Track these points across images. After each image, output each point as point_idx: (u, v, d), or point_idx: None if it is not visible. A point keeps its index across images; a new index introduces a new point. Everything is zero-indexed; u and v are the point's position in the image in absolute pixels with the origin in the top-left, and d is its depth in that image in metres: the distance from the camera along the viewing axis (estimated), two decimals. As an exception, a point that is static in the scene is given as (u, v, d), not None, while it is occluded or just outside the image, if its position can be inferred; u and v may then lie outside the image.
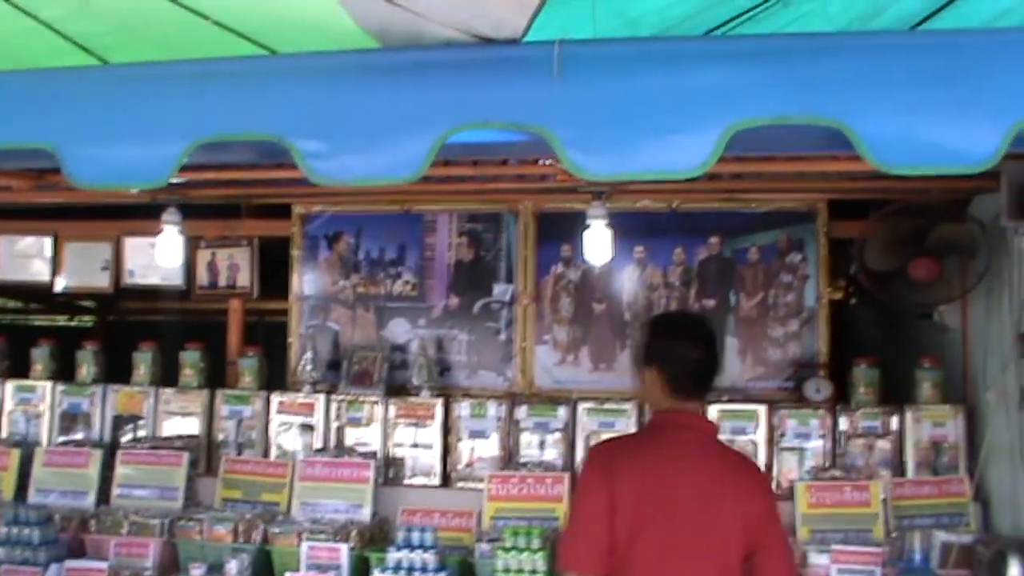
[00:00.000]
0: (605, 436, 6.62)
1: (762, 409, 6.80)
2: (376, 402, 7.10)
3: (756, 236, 7.22)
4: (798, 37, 3.92)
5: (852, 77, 3.38)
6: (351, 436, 7.13)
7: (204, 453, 7.19)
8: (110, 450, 7.01)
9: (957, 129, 3.33)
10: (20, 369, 7.68)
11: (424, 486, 6.97)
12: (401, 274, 7.53)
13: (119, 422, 7.43)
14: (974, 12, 4.30)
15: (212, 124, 3.64)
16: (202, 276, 7.74)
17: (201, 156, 3.64)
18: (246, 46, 4.07)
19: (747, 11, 4.32)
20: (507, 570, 6.05)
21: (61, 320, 12.86)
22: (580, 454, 6.82)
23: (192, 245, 7.55)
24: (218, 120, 3.65)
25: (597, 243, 6.64)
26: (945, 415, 6.71)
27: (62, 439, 7.36)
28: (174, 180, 3.75)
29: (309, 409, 7.15)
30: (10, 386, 7.54)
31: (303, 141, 3.58)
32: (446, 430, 7.04)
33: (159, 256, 7.08)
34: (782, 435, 6.79)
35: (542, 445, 7.01)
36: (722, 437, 6.27)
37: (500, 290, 7.43)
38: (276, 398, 7.21)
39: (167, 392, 7.36)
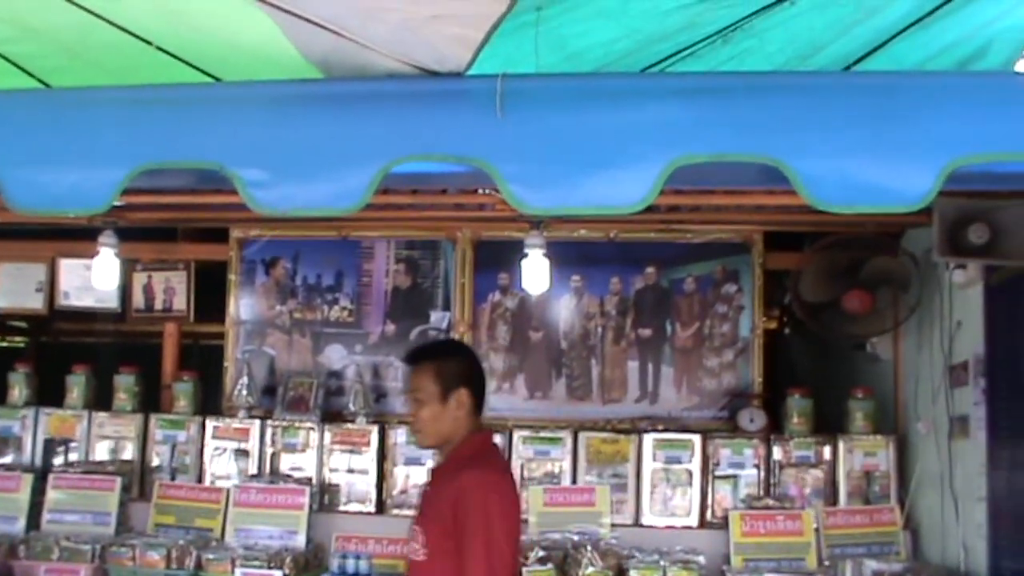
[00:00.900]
0: (537, 465, 6.93)
1: (697, 439, 6.82)
2: (312, 428, 7.03)
3: (692, 267, 7.24)
4: (738, 76, 4.02)
5: (790, 116, 3.43)
6: (286, 462, 7.07)
7: (137, 478, 7.08)
8: (41, 474, 6.89)
9: (892, 169, 3.39)
10: (-50, 391, 7.38)
11: (359, 513, 6.91)
12: (338, 300, 7.47)
13: (51, 445, 7.26)
14: (906, 54, 4.41)
15: (154, 151, 3.62)
16: (138, 299, 7.63)
17: (141, 181, 3.62)
18: (190, 73, 4.10)
19: (688, 47, 4.40)
20: (442, 598, 6.03)
21: (-8, 341, 12.61)
22: (517, 479, 6.68)
23: (128, 268, 7.45)
24: (160, 147, 3.63)
25: (534, 272, 6.61)
26: (877, 445, 6.76)
27: (-8, 463, 7.08)
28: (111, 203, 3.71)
29: (244, 434, 7.07)
30: (-61, 408, 7.23)
31: (245, 170, 3.57)
32: (382, 457, 6.99)
33: (95, 278, 6.96)
34: (716, 464, 6.80)
35: None
36: (657, 466, 6.65)
37: (437, 317, 7.39)
38: (211, 423, 7.11)
39: (100, 416, 7.22)
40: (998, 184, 4.81)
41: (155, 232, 7.54)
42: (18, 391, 7.53)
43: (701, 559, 6.30)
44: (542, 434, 6.95)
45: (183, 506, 6.84)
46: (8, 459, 7.25)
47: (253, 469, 7.03)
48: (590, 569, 6.18)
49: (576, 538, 6.42)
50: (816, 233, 6.83)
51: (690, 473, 6.80)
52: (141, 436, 7.16)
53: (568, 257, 7.15)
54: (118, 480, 6.81)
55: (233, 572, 6.21)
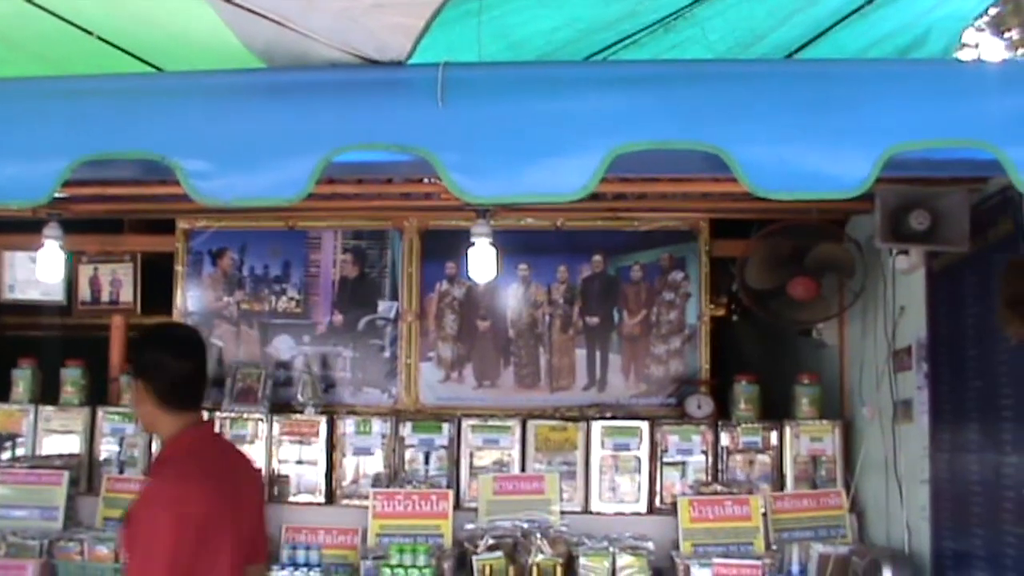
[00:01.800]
0: (486, 454, 6.93)
1: (645, 425, 6.86)
2: (260, 419, 7.00)
3: (639, 255, 7.28)
4: (679, 64, 4.04)
5: (730, 104, 3.45)
6: None
7: (85, 472, 7.02)
8: (-13, 469, 6.71)
9: (830, 156, 3.42)
10: None
11: (309, 503, 6.90)
12: (285, 291, 7.44)
13: (-3, 440, 7.24)
14: (846, 42, 4.45)
15: (95, 141, 3.59)
16: (84, 291, 7.57)
17: (84, 172, 3.61)
18: (132, 63, 4.05)
19: (629, 36, 4.41)
20: (393, 587, 6.06)
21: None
22: (465, 471, 6.91)
23: (74, 260, 7.39)
24: (101, 137, 3.60)
25: (481, 261, 6.60)
26: (823, 430, 6.81)
27: (-63, 458, 7.00)
28: (56, 194, 3.68)
29: None
30: None
31: (187, 160, 3.55)
32: (331, 447, 6.98)
33: (39, 271, 6.88)
34: (664, 451, 6.85)
35: (427, 462, 7.00)
36: (605, 453, 6.65)
37: (385, 307, 7.39)
38: (159, 416, 6.98)
39: (47, 410, 7.15)
40: (938, 171, 4.89)
41: (101, 224, 7.43)
42: (-38, 386, 7.46)
43: (650, 545, 6.35)
44: (491, 423, 6.97)
45: (131, 500, 6.62)
46: (-47, 455, 7.23)
47: None
48: (540, 556, 6.22)
49: (526, 526, 6.45)
50: (761, 220, 6.83)
51: (638, 460, 6.83)
52: (88, 430, 7.10)
53: (515, 246, 7.16)
54: (65, 474, 6.75)
55: (181, 564, 6.13)
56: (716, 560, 6.18)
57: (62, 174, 3.56)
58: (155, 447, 6.83)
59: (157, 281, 7.59)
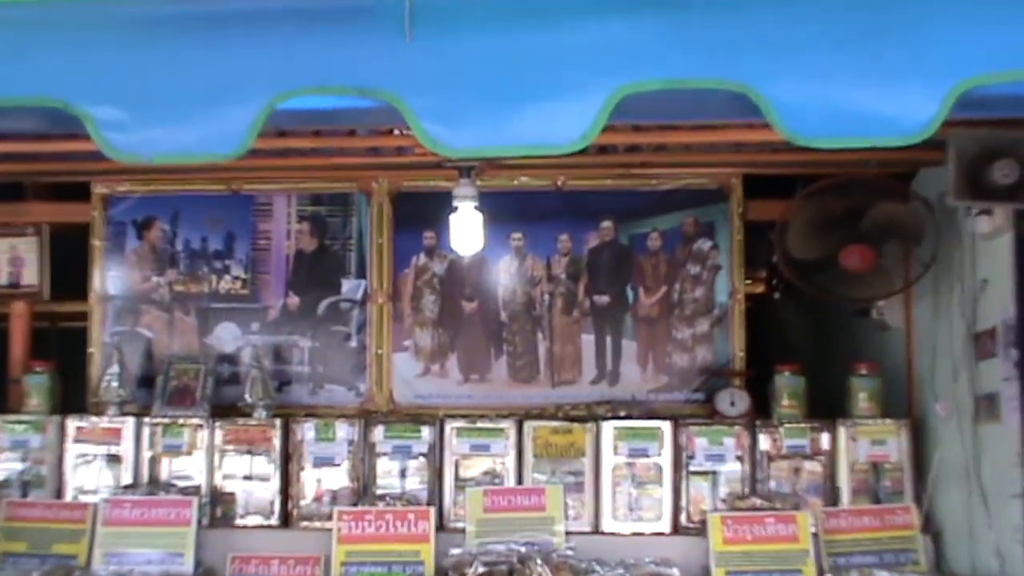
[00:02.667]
0: (475, 462, 6.91)
1: (666, 426, 6.86)
2: (199, 425, 6.98)
3: (657, 219, 7.31)
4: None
5: (760, 34, 3.41)
6: (168, 468, 7.01)
7: (-26, 496, 6.95)
8: None
9: (886, 94, 3.39)
10: None
11: (260, 527, 6.89)
12: (229, 268, 7.46)
13: None
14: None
15: (-22, 85, 3.57)
16: (-25, 272, 7.59)
17: (-27, 124, 3.57)
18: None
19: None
20: (362, 626, 6.05)
21: None
22: (449, 483, 6.90)
23: (-39, 234, 7.32)
24: (-15, 79, 3.58)
25: (466, 229, 6.68)
26: (886, 431, 6.80)
27: None
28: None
29: (115, 436, 6.96)
30: None
31: (98, 108, 3.55)
32: (286, 458, 6.97)
33: (-75, 248, 6.72)
34: (691, 457, 6.86)
35: (403, 473, 7.00)
36: (619, 461, 6.63)
37: (350, 287, 7.42)
38: (73, 423, 7.00)
39: (-67, 418, 7.10)
40: (1026, 111, 4.85)
41: (-2, 189, 7.42)
42: None
43: (675, 572, 6.35)
44: (480, 424, 6.97)
45: (38, 529, 6.73)
46: None
47: (127, 479, 6.94)
48: (541, 586, 6.23)
49: (523, 549, 6.45)
50: (807, 176, 6.81)
51: (659, 468, 6.83)
52: (-17, 443, 7.06)
53: (507, 210, 7.22)
54: (-55, 500, 6.74)
55: (102, 609, 6.11)
56: (756, 590, 6.17)
57: (-61, 126, 3.55)
58: (70, 464, 6.90)
59: (69, 259, 7.57)
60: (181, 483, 6.95)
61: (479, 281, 7.41)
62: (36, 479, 6.99)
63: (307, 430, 7.01)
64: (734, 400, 6.99)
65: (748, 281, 7.58)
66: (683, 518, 6.80)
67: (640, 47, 3.40)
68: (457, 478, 6.92)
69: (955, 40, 3.40)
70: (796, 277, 6.84)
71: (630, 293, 7.33)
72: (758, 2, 3.49)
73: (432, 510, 6.73)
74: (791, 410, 6.96)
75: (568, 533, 6.67)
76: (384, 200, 7.43)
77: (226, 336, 7.46)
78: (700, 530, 6.64)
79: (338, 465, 6.99)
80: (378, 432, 7.00)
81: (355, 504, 6.83)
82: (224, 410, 7.17)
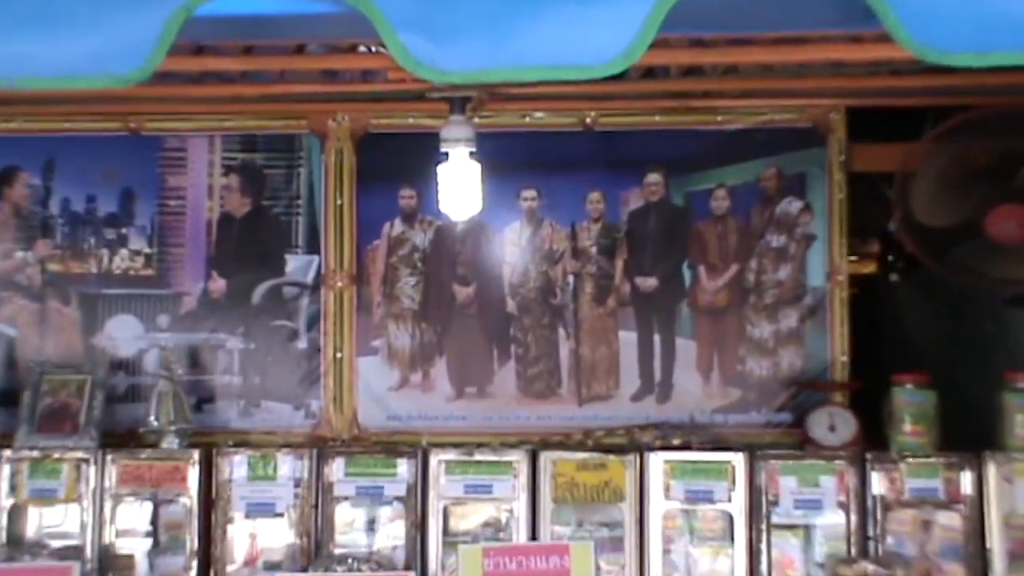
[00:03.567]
0: (471, 509, 6.77)
1: (739, 459, 6.59)
2: (83, 461, 6.68)
3: (725, 171, 7.04)
4: None
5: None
6: (38, 522, 6.76)
7: None
8: None
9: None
10: None
11: (168, 603, 6.59)
12: (126, 239, 7.20)
13: None
14: None
15: None
16: None
17: None
18: None
19: None
20: None
21: None
22: (435, 539, 6.67)
23: None
24: None
25: (458, 184, 6.39)
26: (1056, 469, 6.56)
27: None
28: None
29: None
30: None
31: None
32: (207, 504, 6.69)
33: None
34: (773, 504, 6.57)
35: (372, 526, 6.81)
36: (672, 507, 6.54)
37: (297, 265, 7.19)
38: None
39: None
40: None
41: None
42: None
43: (751, 669, 6.13)
44: (478, 456, 6.73)
45: None
46: None
47: None
48: None
49: (539, 635, 6.20)
50: (940, 110, 6.62)
51: (728, 518, 6.59)
52: None
53: (515, 159, 7.02)
54: None
55: None
56: None
57: None
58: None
59: None
60: (55, 542, 6.72)
61: (477, 257, 7.18)
62: None
63: (237, 465, 6.78)
64: (834, 424, 6.70)
65: (853, 257, 7.28)
66: (763, 586, 6.42)
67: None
68: (446, 532, 6.70)
69: None
70: (923, 251, 6.74)
71: (686, 274, 7.08)
72: None
73: (411, 576, 6.35)
74: (916, 438, 6.64)
75: (602, 610, 6.27)
76: (345, 145, 7.22)
77: (122, 334, 7.19)
78: (788, 607, 6.29)
79: (280, 514, 6.75)
80: (336, 467, 6.77)
81: (304, 570, 6.60)
82: (119, 438, 6.95)
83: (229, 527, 6.70)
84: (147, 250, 7.21)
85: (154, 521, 6.71)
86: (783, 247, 7.00)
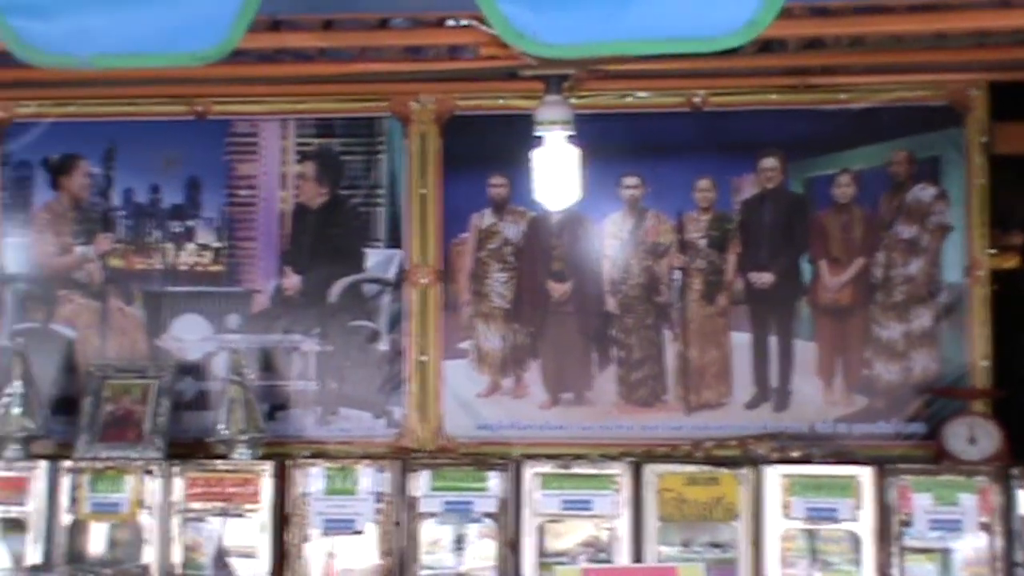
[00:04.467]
0: (569, 527, 6.62)
1: (866, 474, 6.40)
2: (149, 471, 6.60)
3: (850, 155, 6.86)
4: None
5: None
6: (101, 538, 6.64)
7: None
8: None
9: None
10: None
11: (242, 623, 6.46)
12: (193, 233, 7.09)
13: None
14: None
15: None
16: None
17: None
18: None
19: None
20: None
21: None
22: (530, 557, 6.48)
23: None
24: None
25: (554, 171, 6.19)
26: None
27: None
28: None
29: (16, 490, 6.60)
30: None
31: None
32: (280, 520, 6.57)
33: None
34: (906, 524, 6.33)
35: (459, 544, 6.61)
36: (792, 527, 6.40)
37: (378, 260, 7.05)
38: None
39: None
40: None
41: None
42: None
43: None
44: (576, 470, 6.57)
45: None
46: None
47: (35, 556, 6.61)
48: None
49: (645, 664, 6.00)
50: None
51: (856, 540, 6.38)
52: None
53: (617, 143, 6.87)
54: None
55: None
56: None
57: None
58: None
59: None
60: (120, 563, 6.57)
61: (574, 251, 7.01)
62: None
63: (313, 478, 6.62)
64: (974, 435, 6.47)
65: (994, 251, 6.99)
66: (901, 623, 6.15)
67: None
68: (542, 552, 6.50)
69: None
70: (1079, 246, 6.44)
71: (806, 269, 6.90)
72: None
73: (507, 599, 6.15)
74: (1072, 451, 6.35)
75: (714, 639, 6.07)
76: (429, 128, 7.08)
77: (189, 336, 7.10)
78: (929, 641, 5.94)
79: (360, 532, 6.58)
80: (421, 481, 6.61)
81: (389, 592, 6.16)
82: (187, 448, 6.87)
83: (304, 545, 6.58)
84: (215, 244, 7.19)
85: (223, 537, 6.58)
86: (915, 239, 6.83)
